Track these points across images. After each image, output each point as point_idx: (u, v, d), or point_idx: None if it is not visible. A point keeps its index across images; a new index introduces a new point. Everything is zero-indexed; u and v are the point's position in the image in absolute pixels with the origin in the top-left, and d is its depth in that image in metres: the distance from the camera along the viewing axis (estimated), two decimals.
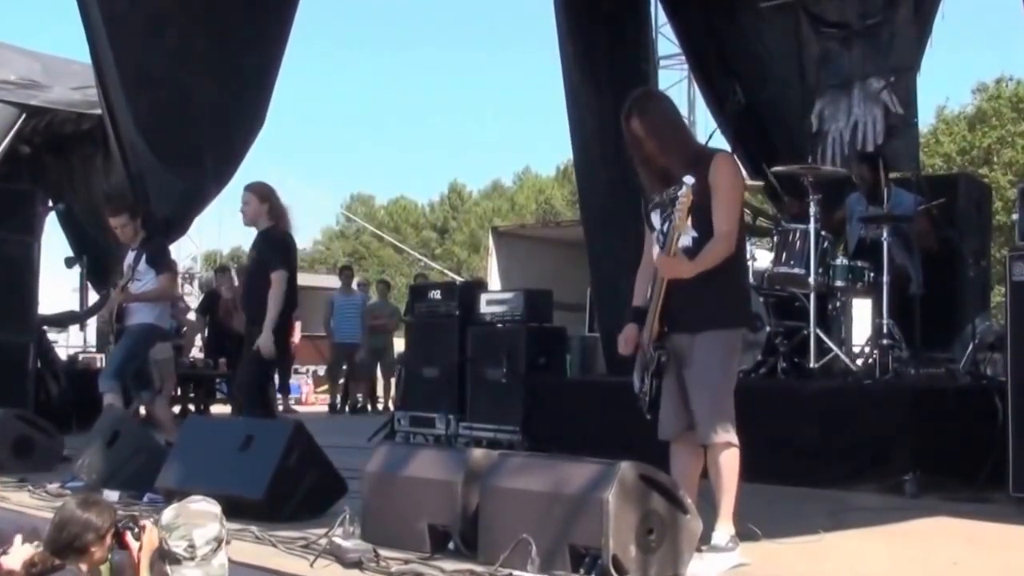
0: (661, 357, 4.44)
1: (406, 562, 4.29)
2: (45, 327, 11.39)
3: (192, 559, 3.21)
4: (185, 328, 13.79)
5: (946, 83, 47.33)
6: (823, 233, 7.77)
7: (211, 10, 8.66)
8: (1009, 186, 28.97)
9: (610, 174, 10.31)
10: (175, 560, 3.22)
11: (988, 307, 8.78)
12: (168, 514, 3.32)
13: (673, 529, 4.02)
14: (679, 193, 4.25)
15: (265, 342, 7.25)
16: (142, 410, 8.89)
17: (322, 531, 4.53)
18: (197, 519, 3.30)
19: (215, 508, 3.36)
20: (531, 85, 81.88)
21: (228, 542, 3.31)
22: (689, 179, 4.24)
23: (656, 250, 4.58)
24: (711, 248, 4.40)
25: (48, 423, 7.73)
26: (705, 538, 4.29)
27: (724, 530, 4.39)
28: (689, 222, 4.33)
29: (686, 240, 4.40)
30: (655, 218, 4.63)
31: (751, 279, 8.39)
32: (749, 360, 7.81)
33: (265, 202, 7.47)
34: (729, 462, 4.45)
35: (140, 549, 3.37)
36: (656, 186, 4.62)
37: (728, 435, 4.44)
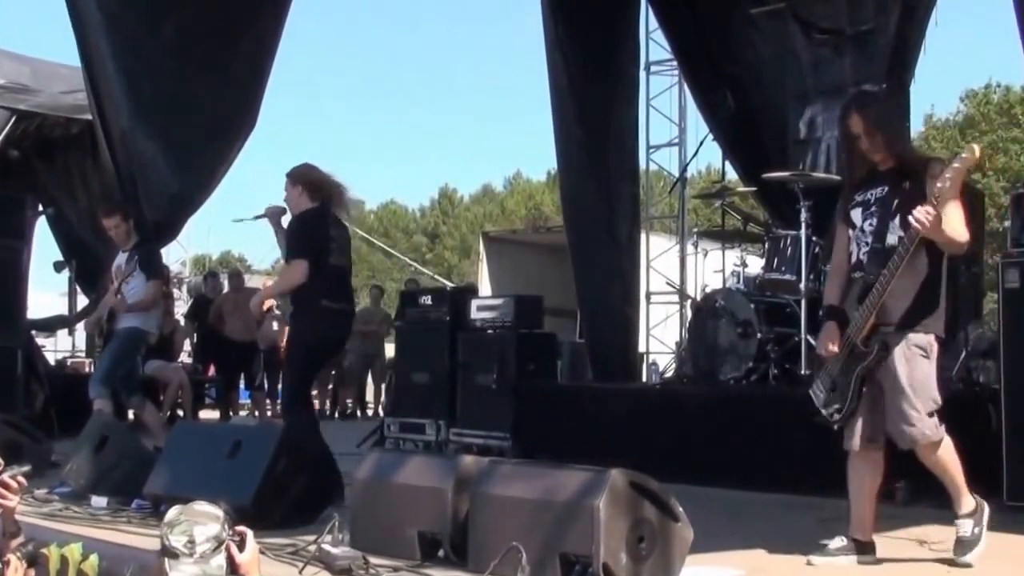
0: (876, 352, 4.52)
1: (395, 569, 4.29)
2: (33, 332, 11.33)
3: (191, 555, 3.19)
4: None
5: (931, 90, 47.45)
6: (814, 239, 7.77)
7: (209, 7, 8.63)
8: (1002, 192, 29.02)
9: (597, 182, 10.30)
10: (174, 555, 3.20)
11: (980, 314, 8.75)
12: (172, 512, 3.30)
13: (664, 537, 4.01)
14: (961, 157, 4.27)
15: None
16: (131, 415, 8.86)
17: (311, 538, 4.52)
18: (199, 517, 3.29)
19: (218, 511, 3.34)
20: (522, 90, 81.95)
21: (228, 545, 3.28)
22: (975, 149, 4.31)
23: (854, 247, 4.70)
24: (955, 233, 4.42)
25: (36, 428, 7.69)
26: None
27: (966, 521, 4.62)
28: (897, 220, 4.47)
29: (892, 239, 4.49)
30: (856, 215, 4.72)
31: (742, 285, 8.41)
32: (740, 366, 7.81)
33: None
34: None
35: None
36: (860, 185, 4.76)
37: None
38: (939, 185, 4.26)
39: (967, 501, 4.66)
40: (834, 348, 4.64)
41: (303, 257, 6.40)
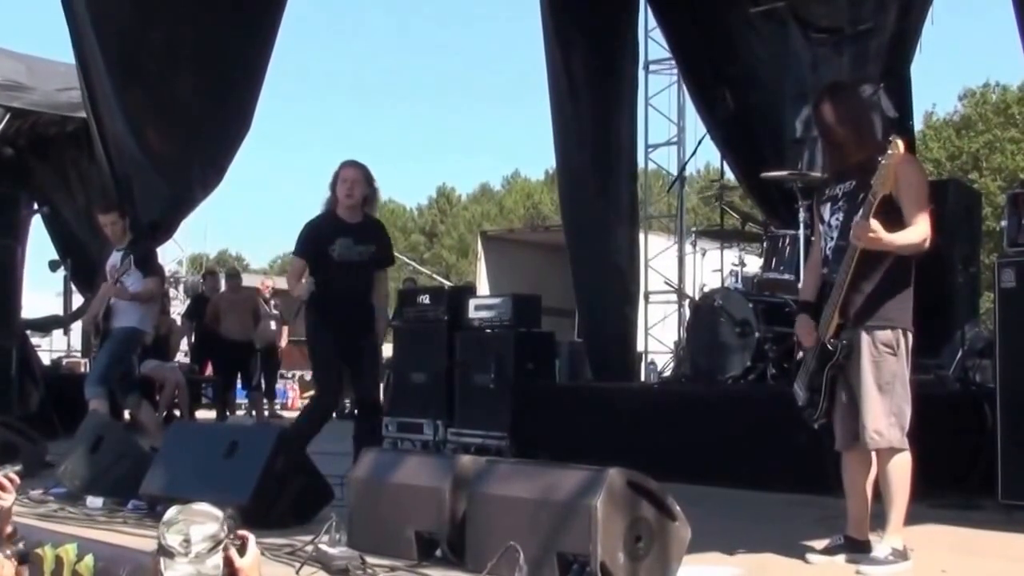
0: (840, 350, 4.45)
1: (393, 569, 4.27)
2: (28, 332, 11.30)
3: (186, 555, 3.17)
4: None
5: (931, 89, 47.49)
6: (812, 238, 7.76)
7: (198, 9, 8.59)
8: (999, 192, 29.02)
9: (595, 182, 10.28)
10: (169, 555, 3.18)
11: (977, 314, 8.75)
12: (170, 512, 3.29)
13: (661, 536, 3.99)
14: (888, 154, 4.19)
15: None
16: (127, 415, 8.83)
17: (308, 538, 4.49)
18: (197, 517, 3.27)
19: (218, 512, 3.33)
20: (520, 89, 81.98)
21: (227, 548, 3.26)
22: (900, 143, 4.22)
23: (823, 243, 4.67)
24: (912, 232, 4.38)
25: (31, 428, 7.66)
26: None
27: (887, 542, 4.40)
28: (860, 216, 4.34)
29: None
30: (826, 210, 4.67)
31: (741, 284, 8.39)
32: (738, 365, 7.79)
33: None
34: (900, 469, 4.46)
35: None
36: (834, 177, 4.71)
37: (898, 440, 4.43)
38: (872, 181, 4.23)
39: (896, 539, 4.42)
40: (811, 338, 4.60)
41: None
